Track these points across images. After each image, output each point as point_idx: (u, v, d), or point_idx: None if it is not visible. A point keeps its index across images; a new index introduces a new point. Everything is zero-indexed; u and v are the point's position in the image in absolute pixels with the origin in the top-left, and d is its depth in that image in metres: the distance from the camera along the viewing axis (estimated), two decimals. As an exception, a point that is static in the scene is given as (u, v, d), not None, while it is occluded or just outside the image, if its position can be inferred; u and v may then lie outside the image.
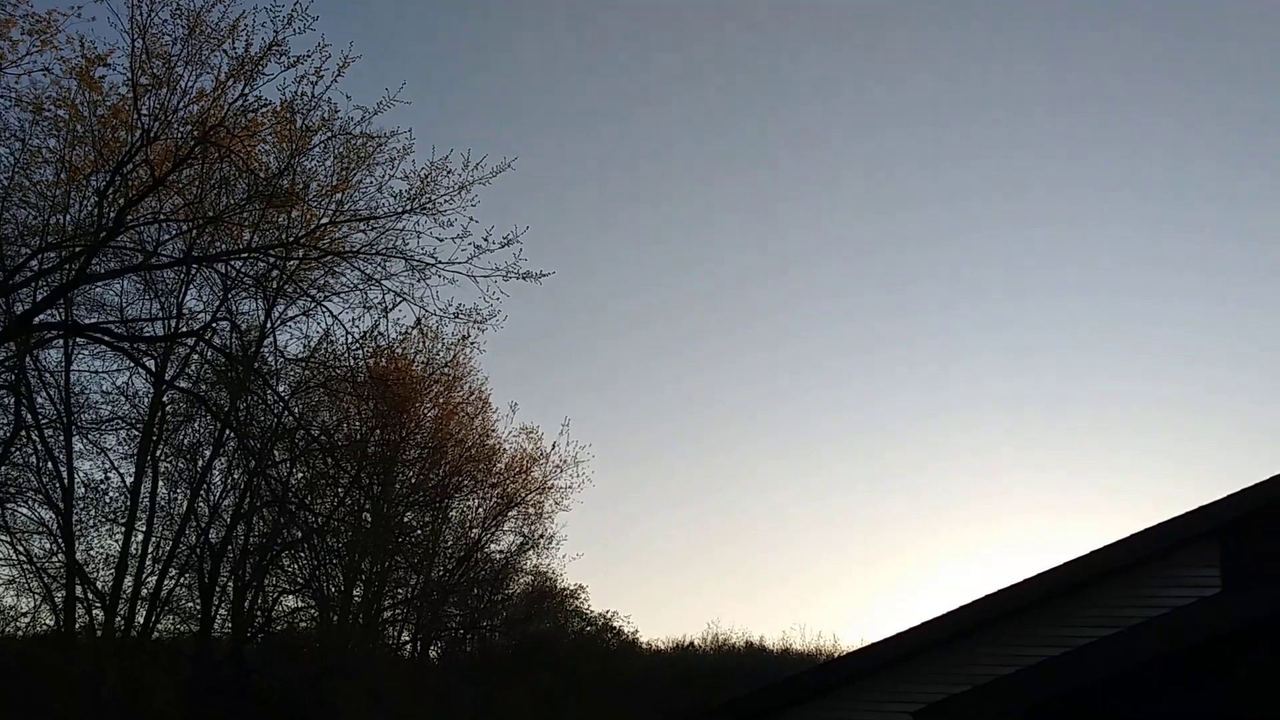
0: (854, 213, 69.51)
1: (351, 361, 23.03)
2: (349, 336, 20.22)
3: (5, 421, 21.54)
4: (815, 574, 71.61)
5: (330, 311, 21.41)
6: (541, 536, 37.59)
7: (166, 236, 19.80)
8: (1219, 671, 9.02)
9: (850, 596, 72.45)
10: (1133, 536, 10.31)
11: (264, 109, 17.79)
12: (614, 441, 72.09)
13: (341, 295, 20.24)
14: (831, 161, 69.30)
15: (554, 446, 36.32)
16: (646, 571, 67.87)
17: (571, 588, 41.92)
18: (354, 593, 30.98)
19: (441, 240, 18.73)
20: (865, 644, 11.49)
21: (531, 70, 63.55)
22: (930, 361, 70.21)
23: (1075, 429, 68.27)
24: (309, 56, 17.28)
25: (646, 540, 69.04)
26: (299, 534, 26.85)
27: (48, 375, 23.07)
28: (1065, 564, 10.44)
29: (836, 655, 38.28)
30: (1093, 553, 10.38)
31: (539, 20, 62.46)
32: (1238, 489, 10.21)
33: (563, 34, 63.68)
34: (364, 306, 19.83)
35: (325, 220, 19.41)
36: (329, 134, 18.54)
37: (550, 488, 36.53)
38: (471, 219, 18.55)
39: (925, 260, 69.49)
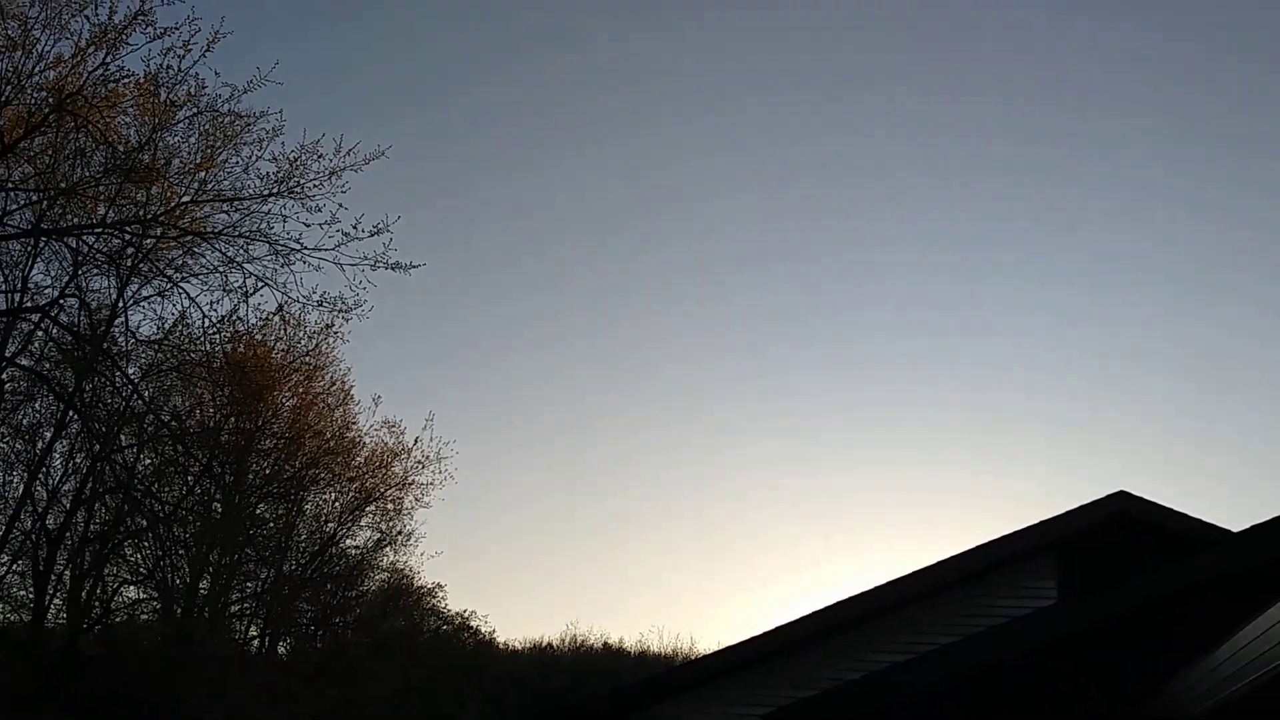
0: (714, 215, 70.01)
1: (208, 346, 22.21)
2: (206, 320, 19.50)
3: None
4: (674, 577, 72.41)
5: (187, 293, 20.56)
6: (400, 533, 36.99)
7: (14, 206, 18.85)
8: (1053, 677, 9.46)
9: (707, 600, 73.51)
10: (977, 548, 10.76)
11: (126, 80, 17.21)
12: (477, 439, 71.37)
13: (200, 277, 19.53)
14: (704, 161, 69.88)
15: (416, 442, 35.74)
16: (506, 571, 67.56)
17: (429, 586, 41.39)
18: (200, 585, 29.94)
19: (309, 226, 18.30)
20: (721, 647, 11.68)
21: (420, 65, 62.42)
22: (791, 366, 71.48)
23: (932, 440, 70.53)
24: (177, 29, 16.76)
25: (507, 540, 68.72)
26: (143, 523, 25.85)
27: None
28: (913, 573, 10.82)
29: (693, 658, 38.83)
30: (939, 563, 10.80)
31: (424, 11, 61.36)
32: (1074, 506, 10.79)
33: (453, 31, 62.75)
34: (224, 290, 19.13)
35: (187, 199, 18.79)
36: (195, 110, 17.97)
37: (411, 483, 35.95)
38: (341, 205, 18.19)
39: (778, 264, 70.60)
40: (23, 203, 18.87)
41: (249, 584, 33.04)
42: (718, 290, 70.28)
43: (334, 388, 33.39)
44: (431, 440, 35.78)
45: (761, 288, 69.18)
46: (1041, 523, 10.73)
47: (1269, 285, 57.49)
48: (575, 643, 49.94)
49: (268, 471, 32.03)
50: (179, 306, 24.63)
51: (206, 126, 18.30)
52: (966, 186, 59.42)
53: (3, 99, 16.44)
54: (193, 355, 22.72)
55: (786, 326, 69.57)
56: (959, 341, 65.19)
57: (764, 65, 61.45)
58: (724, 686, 11.03)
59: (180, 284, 19.72)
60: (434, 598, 41.84)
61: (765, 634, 10.95)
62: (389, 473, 35.69)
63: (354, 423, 34.75)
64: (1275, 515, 8.92)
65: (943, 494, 70.19)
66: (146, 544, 27.87)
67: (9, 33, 16.33)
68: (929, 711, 9.35)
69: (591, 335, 70.07)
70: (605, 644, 50.23)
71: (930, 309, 64.63)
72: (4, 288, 22.83)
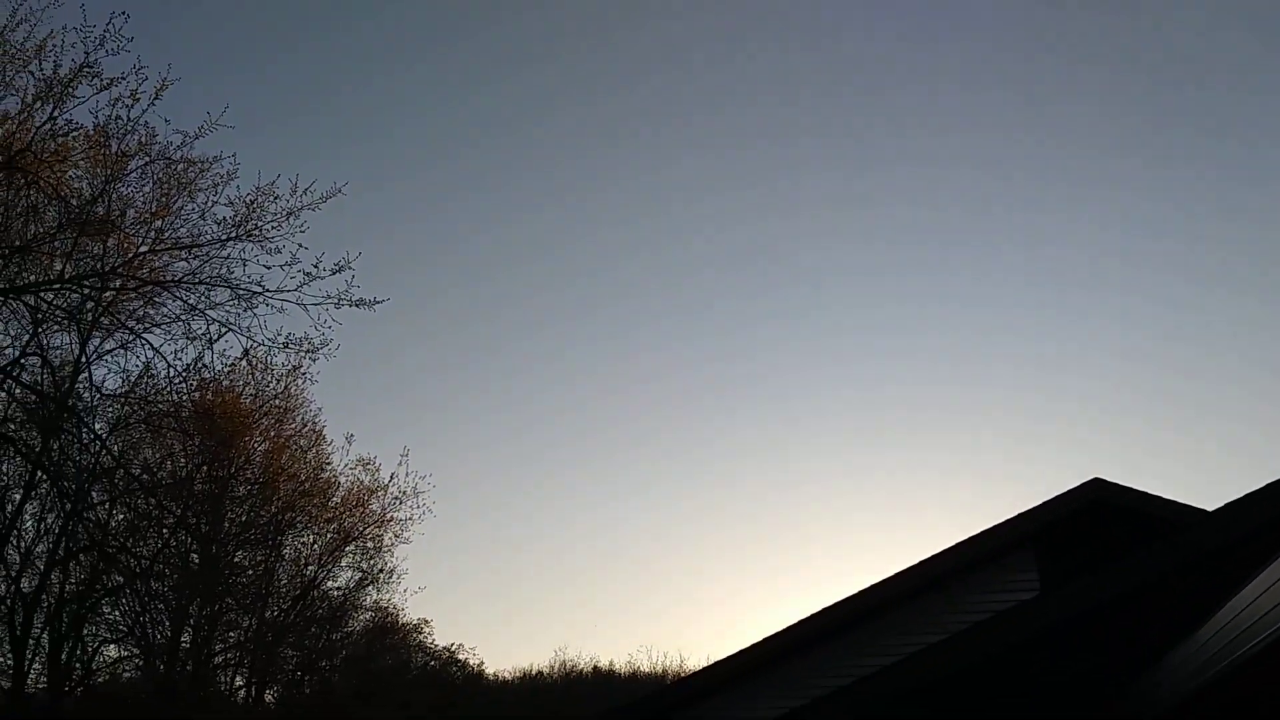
0: (681, 231, 70.18)
1: (174, 396, 22.00)
2: (171, 370, 19.34)
3: None
4: (659, 597, 72.31)
5: (150, 344, 20.42)
6: (381, 571, 36.70)
7: (-32, 268, 18.60)
8: (1040, 669, 9.48)
9: (693, 617, 73.43)
10: (956, 546, 10.78)
11: (75, 133, 17.05)
12: (454, 471, 71.13)
13: (162, 326, 19.34)
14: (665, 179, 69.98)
15: (392, 478, 35.55)
16: (491, 602, 67.27)
17: (415, 622, 41.13)
18: (182, 638, 29.56)
19: (269, 268, 18.23)
20: (709, 663, 11.62)
21: (367, 96, 62.29)
22: (768, 381, 71.74)
23: (902, 443, 70.78)
24: (124, 79, 16.72)
25: (490, 570, 68.48)
26: (120, 579, 25.49)
27: None
28: (895, 575, 10.83)
29: (682, 675, 38.67)
30: (920, 563, 10.81)
31: (378, 44, 61.31)
32: (1050, 497, 10.85)
33: (404, 60, 62.69)
34: (187, 338, 18.98)
35: (144, 249, 18.66)
36: (147, 159, 17.90)
37: (389, 520, 35.71)
38: (301, 245, 18.14)
39: (758, 279, 70.77)
40: (-23, 264, 18.64)
41: (231, 634, 32.66)
42: (680, 306, 70.43)
43: (306, 429, 33.17)
44: (407, 475, 35.77)
45: (730, 297, 69.43)
46: (1018, 516, 10.78)
47: (1230, 269, 58.54)
48: (565, 668, 49.76)
49: (244, 518, 31.71)
50: (143, 358, 24.39)
51: (160, 174, 18.22)
52: (944, 180, 60.18)
53: (-49, 160, 16.25)
54: (160, 406, 22.49)
55: (754, 339, 69.88)
56: (929, 340, 65.76)
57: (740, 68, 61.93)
58: (714, 703, 10.97)
59: (143, 335, 19.57)
60: (420, 633, 41.59)
61: (751, 647, 10.91)
62: (366, 511, 35.46)
63: (328, 463, 34.53)
64: (1248, 491, 9.01)
65: (921, 493, 70.68)
66: (125, 601, 27.49)
67: (-46, 94, 16.18)
68: (918, 712, 9.34)
69: (561, 360, 70.03)
70: (595, 667, 50.06)
71: (900, 305, 65.24)
72: (-37, 350, 22.55)
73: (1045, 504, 10.81)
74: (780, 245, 65.18)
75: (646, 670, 48.59)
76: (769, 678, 10.86)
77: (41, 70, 16.37)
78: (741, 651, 10.95)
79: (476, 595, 65.65)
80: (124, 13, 16.19)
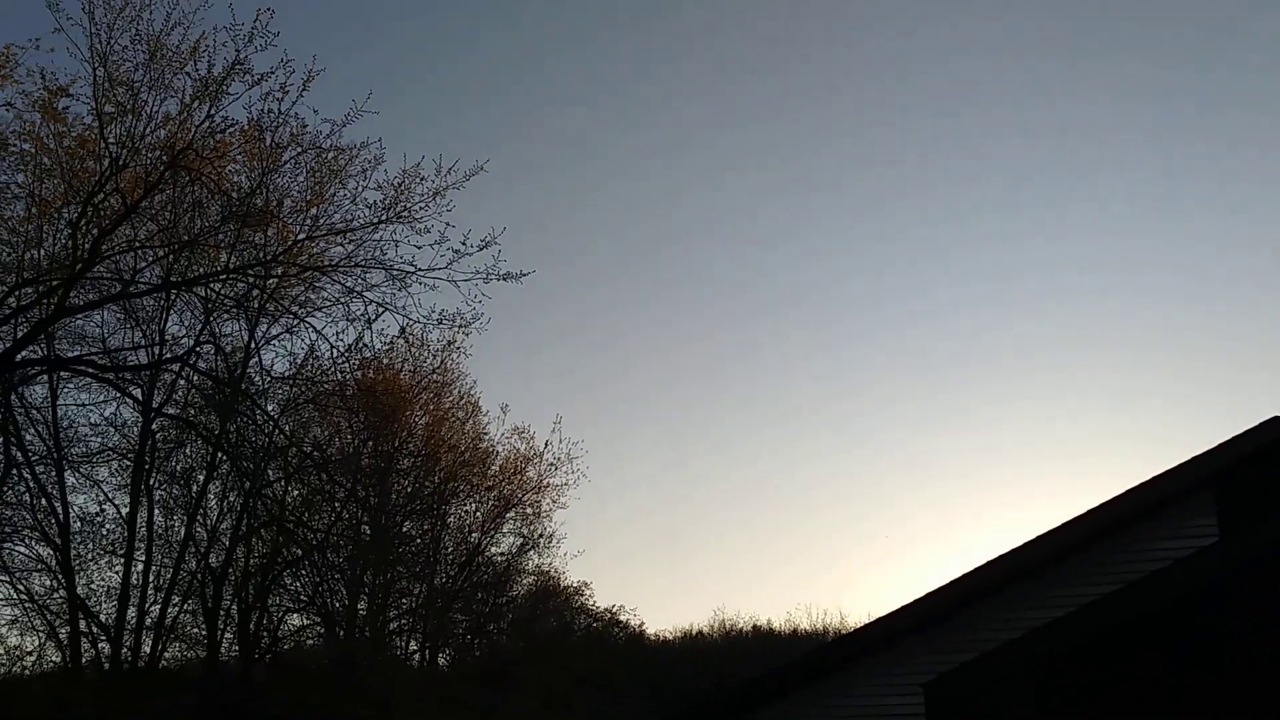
0: (848, 208, 69.75)
1: (339, 375, 22.93)
2: (334, 351, 20.10)
3: (-5, 461, 21.43)
4: (817, 554, 72.02)
5: (313, 327, 21.24)
6: (541, 536, 37.55)
7: (143, 264, 19.68)
8: (1221, 617, 9.09)
9: (852, 573, 72.83)
10: (1129, 492, 10.36)
11: (231, 129, 17.76)
12: (608, 435, 72.01)
13: (324, 310, 20.13)
14: (824, 157, 69.45)
15: (547, 445, 36.26)
16: (650, 563, 68.06)
17: (575, 585, 41.93)
18: (358, 606, 30.94)
19: (420, 247, 18.74)
20: (871, 619, 11.51)
21: (500, 64, 63.39)
22: (925, 343, 70.52)
23: (1065, 396, 68.61)
24: (273, 73, 17.28)
25: (648, 532, 69.21)
26: (299, 552, 26.80)
27: (35, 412, 22.93)
28: (1065, 524, 10.48)
29: (843, 632, 38.48)
30: (1091, 511, 10.43)
31: (505, 14, 62.24)
32: (1228, 437, 10.30)
33: (529, 26, 63.46)
34: (347, 319, 19.68)
35: (302, 236, 19.36)
36: (299, 149, 18.51)
37: (546, 486, 36.48)
38: (448, 224, 18.52)
39: (918, 256, 69.77)
40: (151, 259, 19.70)
41: (404, 600, 34.01)
42: (837, 273, 69.61)
43: (462, 401, 34.13)
44: (561, 442, 36.28)
45: (873, 273, 68.41)
46: (1195, 458, 10.28)
47: None
48: (724, 628, 49.99)
49: (409, 490, 32.89)
50: (307, 341, 25.46)
51: (312, 163, 18.87)
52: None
53: (121, 163, 17.13)
54: (326, 386, 23.48)
55: (934, 309, 68.64)
56: (1089, 279, 63.38)
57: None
58: (880, 659, 10.87)
59: (306, 319, 20.40)
60: (581, 596, 42.39)
61: (917, 601, 10.74)
62: (524, 478, 36.31)
63: (485, 433, 35.49)
64: None
65: (1086, 442, 68.28)
66: (304, 572, 28.90)
67: (120, 99, 17.03)
68: (1092, 664, 9.08)
69: (710, 311, 70.14)
70: (755, 626, 50.15)
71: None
72: (143, 342, 23.97)
73: (1223, 445, 10.27)
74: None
75: (806, 628, 48.43)
76: (934, 632, 10.69)
77: (196, 71, 17.10)
78: (906, 606, 10.81)
79: (635, 556, 66.66)
80: (270, 9, 16.77)
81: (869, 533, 73.22)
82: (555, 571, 40.28)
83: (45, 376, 22.08)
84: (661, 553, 68.55)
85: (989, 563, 10.66)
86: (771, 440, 72.90)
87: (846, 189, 70.04)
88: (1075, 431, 69.81)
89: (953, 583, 10.68)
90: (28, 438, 22.58)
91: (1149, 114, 63.97)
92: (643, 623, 46.51)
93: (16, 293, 18.55)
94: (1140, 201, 64.67)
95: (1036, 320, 68.36)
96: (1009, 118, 66.58)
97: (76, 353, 22.13)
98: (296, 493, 27.40)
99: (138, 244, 19.04)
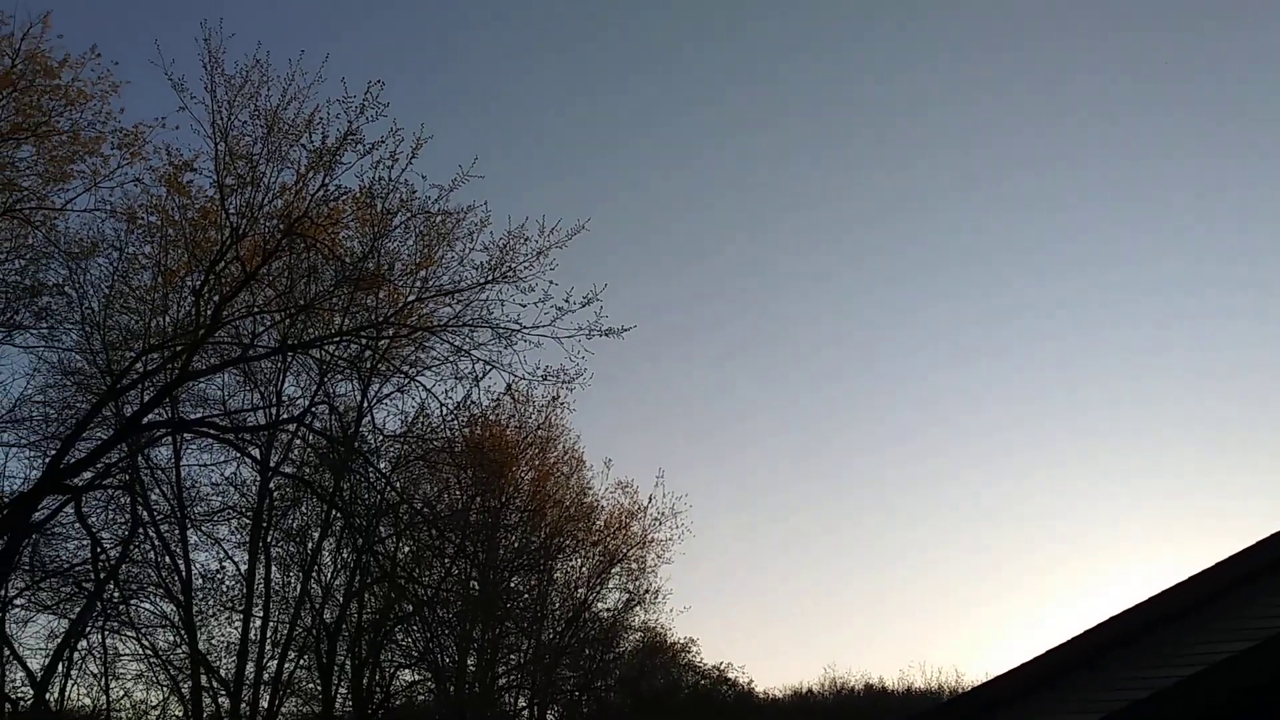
0: (967, 279, 69.08)
1: (447, 433, 23.38)
2: (443, 409, 20.63)
3: (123, 520, 22.24)
4: (932, 610, 70.15)
5: (423, 385, 21.71)
6: (647, 591, 37.44)
7: (261, 328, 20.40)
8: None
9: (969, 632, 70.77)
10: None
11: (344, 196, 18.39)
12: (712, 487, 71.75)
13: (433, 369, 20.62)
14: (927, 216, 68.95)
15: (651, 500, 36.30)
16: (758, 619, 67.17)
17: (682, 641, 41.64)
18: (468, 662, 31.14)
19: (524, 306, 19.00)
20: (991, 677, 11.07)
21: (603, 126, 64.52)
22: (1039, 396, 68.99)
23: (1187, 445, 66.13)
24: (383, 142, 17.84)
25: (755, 587, 68.47)
26: (410, 607, 27.13)
27: (159, 472, 23.81)
28: (1245, 550, 9.90)
29: (960, 691, 37.31)
30: (1259, 543, 9.84)
31: (600, 77, 63.40)
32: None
33: (624, 88, 64.50)
34: (455, 378, 20.12)
35: (412, 298, 19.85)
36: (409, 214, 19.04)
37: (651, 541, 36.46)
38: (551, 282, 18.83)
39: (1017, 309, 68.53)
40: (268, 323, 20.41)
41: (512, 656, 34.13)
42: (946, 323, 68.57)
43: (567, 456, 34.38)
44: (665, 496, 36.27)
45: (983, 321, 67.15)
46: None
47: None
48: (836, 686, 49.00)
49: (516, 545, 33.13)
50: (417, 399, 26.10)
51: (421, 227, 19.40)
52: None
53: (240, 232, 17.85)
54: (435, 443, 23.92)
55: (1057, 365, 67.12)
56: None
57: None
58: (1040, 696, 10.37)
59: (416, 378, 20.93)
60: (688, 653, 42.04)
61: (1083, 635, 10.21)
62: (629, 533, 36.31)
63: (589, 488, 35.67)
64: None
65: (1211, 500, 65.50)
66: (415, 627, 29.24)
67: (239, 171, 17.78)
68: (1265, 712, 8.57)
69: (817, 368, 69.61)
70: (867, 685, 49.02)
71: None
72: (261, 403, 24.76)
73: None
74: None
75: (921, 687, 47.16)
76: (1076, 679, 10.22)
77: (311, 142, 17.77)
78: (1049, 652, 10.34)
79: (742, 612, 65.81)
80: (380, 81, 17.40)
81: (987, 591, 71.14)
82: (661, 627, 40.11)
83: (170, 438, 22.91)
84: (770, 608, 67.69)
85: (1163, 593, 10.08)
86: (883, 493, 71.73)
87: (953, 264, 69.09)
88: (1210, 483, 67.08)
89: (1102, 624, 10.16)
90: (153, 497, 23.44)
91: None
92: (751, 680, 45.93)
93: (144, 358, 19.39)
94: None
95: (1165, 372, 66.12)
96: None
97: (199, 415, 22.97)
98: (407, 549, 27.82)
99: (256, 309, 19.73)
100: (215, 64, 17.16)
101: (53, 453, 18.73)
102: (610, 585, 36.86)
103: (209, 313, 18.13)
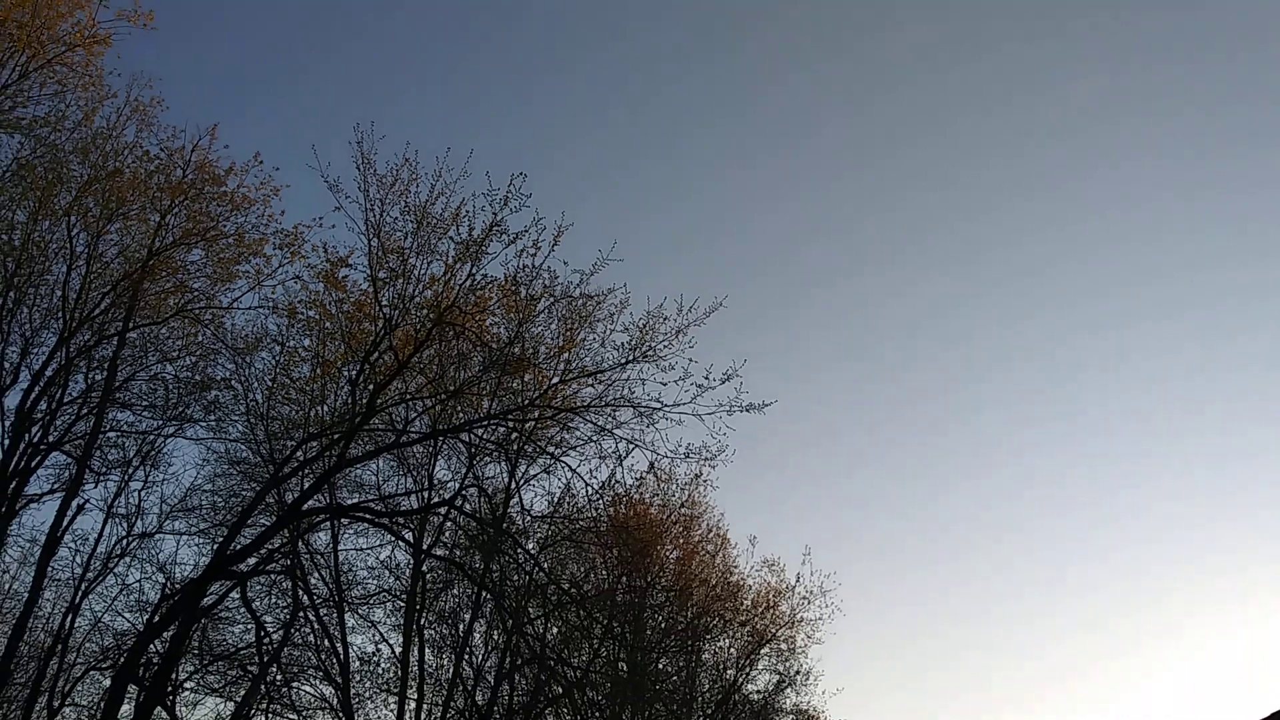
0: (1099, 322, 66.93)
1: (593, 512, 23.54)
2: (588, 488, 20.88)
3: (285, 604, 23.00)
4: (1100, 683, 66.66)
5: (568, 465, 22.04)
6: (798, 673, 36.56)
7: (414, 414, 21.06)
8: None
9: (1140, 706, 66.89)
10: None
11: (490, 285, 19.01)
12: (862, 563, 70.10)
13: (577, 449, 20.95)
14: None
15: (798, 578, 35.68)
16: (914, 698, 64.89)
17: (837, 724, 40.39)
18: (619, 744, 30.86)
19: (665, 384, 19.20)
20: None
21: (738, 203, 65.12)
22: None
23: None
24: (526, 231, 18.47)
25: (911, 666, 66.22)
26: (559, 689, 27.13)
27: (318, 557, 24.58)
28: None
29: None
30: None
31: (739, 156, 64.13)
32: None
33: (749, 165, 65.02)
34: (599, 457, 20.43)
35: (555, 380, 20.25)
36: (552, 299, 19.55)
37: (800, 621, 35.72)
38: (691, 359, 19.07)
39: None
40: (420, 409, 21.06)
41: (662, 739, 33.66)
42: (1076, 387, 66.23)
43: (711, 534, 34.14)
44: (812, 574, 35.60)
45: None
46: None
47: None
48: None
49: (663, 625, 32.90)
50: (563, 479, 26.47)
51: (563, 312, 19.84)
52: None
53: (393, 323, 18.57)
54: (581, 523, 24.14)
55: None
56: None
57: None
58: None
59: (561, 459, 21.25)
60: (843, 736, 40.74)
61: None
62: (777, 612, 35.66)
63: (735, 566, 35.28)
64: None
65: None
66: (565, 710, 29.18)
67: (391, 265, 18.56)
68: None
69: (964, 448, 67.77)
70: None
71: None
72: (414, 487, 25.44)
73: None
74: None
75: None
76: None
77: (458, 234, 18.49)
78: None
79: (898, 692, 63.73)
80: (523, 174, 18.05)
81: (1156, 666, 67.27)
82: (814, 710, 38.96)
83: (329, 523, 23.69)
84: (927, 686, 65.25)
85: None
86: (1048, 568, 68.95)
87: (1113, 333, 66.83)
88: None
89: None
90: (313, 581, 24.17)
91: None
92: (909, 763, 44.20)
93: (304, 446, 20.21)
94: None
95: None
96: None
97: (355, 500, 23.75)
98: (556, 629, 27.94)
99: (409, 396, 20.43)
100: (367, 164, 18.08)
101: (220, 540, 19.60)
102: (760, 666, 36.17)
103: (364, 401, 18.83)
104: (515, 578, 23.92)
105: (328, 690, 24.78)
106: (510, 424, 20.79)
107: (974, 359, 69.73)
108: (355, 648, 25.76)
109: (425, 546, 24.73)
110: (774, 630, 35.64)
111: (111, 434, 22.41)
